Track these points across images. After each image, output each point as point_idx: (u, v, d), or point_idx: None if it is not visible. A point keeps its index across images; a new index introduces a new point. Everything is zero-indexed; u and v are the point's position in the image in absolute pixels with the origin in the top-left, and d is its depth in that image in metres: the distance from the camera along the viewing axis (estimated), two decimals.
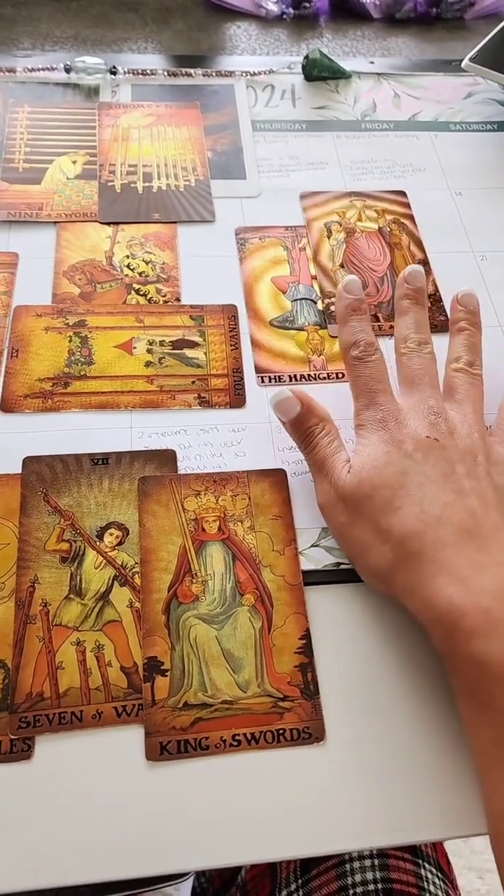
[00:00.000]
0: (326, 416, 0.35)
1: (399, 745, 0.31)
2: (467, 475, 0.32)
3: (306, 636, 0.33)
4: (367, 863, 0.43)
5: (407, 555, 0.30)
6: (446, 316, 0.44)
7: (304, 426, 0.35)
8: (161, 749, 0.30)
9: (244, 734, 0.31)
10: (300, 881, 0.45)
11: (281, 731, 0.31)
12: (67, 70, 0.56)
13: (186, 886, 0.59)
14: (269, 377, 0.41)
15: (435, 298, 0.46)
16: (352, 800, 0.30)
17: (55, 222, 0.48)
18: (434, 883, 0.44)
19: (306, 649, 0.33)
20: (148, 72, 0.58)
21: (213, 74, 0.58)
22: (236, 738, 0.31)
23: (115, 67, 0.57)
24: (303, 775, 0.30)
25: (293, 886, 0.45)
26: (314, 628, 0.33)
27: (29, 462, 0.37)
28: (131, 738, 0.30)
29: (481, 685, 0.27)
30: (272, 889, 0.48)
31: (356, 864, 0.43)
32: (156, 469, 0.37)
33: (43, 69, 0.56)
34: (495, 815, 0.27)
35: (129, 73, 0.57)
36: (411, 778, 0.30)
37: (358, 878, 0.43)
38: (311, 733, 0.31)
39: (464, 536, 0.30)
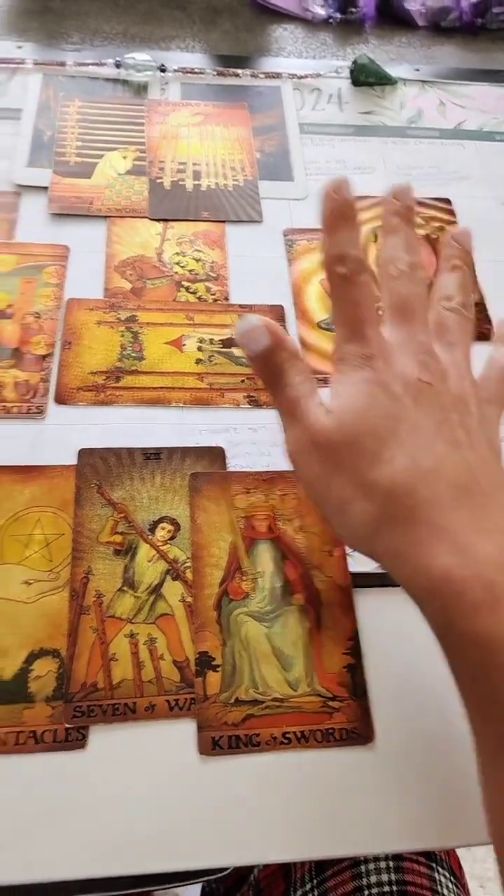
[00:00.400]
0: (298, 353, 0.30)
1: (446, 748, 0.31)
2: (461, 425, 0.28)
3: (354, 637, 0.33)
4: (382, 864, 0.43)
5: (396, 513, 0.26)
6: (491, 325, 0.45)
7: (273, 360, 0.29)
8: (213, 744, 0.30)
9: (294, 732, 0.31)
10: (315, 881, 0.46)
11: (330, 731, 0.31)
12: (117, 66, 0.57)
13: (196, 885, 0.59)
14: (319, 378, 0.42)
15: (480, 308, 0.46)
16: (399, 801, 0.30)
17: (105, 217, 0.48)
18: (447, 887, 0.44)
19: (355, 650, 0.33)
20: (196, 71, 0.58)
21: (261, 76, 0.58)
22: (286, 735, 0.31)
23: (164, 65, 0.57)
24: (350, 775, 0.30)
25: (308, 886, 0.46)
26: (362, 630, 0.34)
27: (83, 454, 0.37)
28: (183, 731, 0.31)
29: (486, 670, 0.24)
30: (286, 888, 0.48)
31: (371, 866, 0.43)
32: (206, 466, 0.38)
33: (93, 64, 0.57)
34: (498, 818, 0.25)
35: (177, 71, 0.58)
36: (458, 782, 0.30)
37: (373, 879, 0.43)
38: (359, 734, 0.31)
39: (462, 495, 0.26)
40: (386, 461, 0.26)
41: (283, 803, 0.30)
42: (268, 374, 0.30)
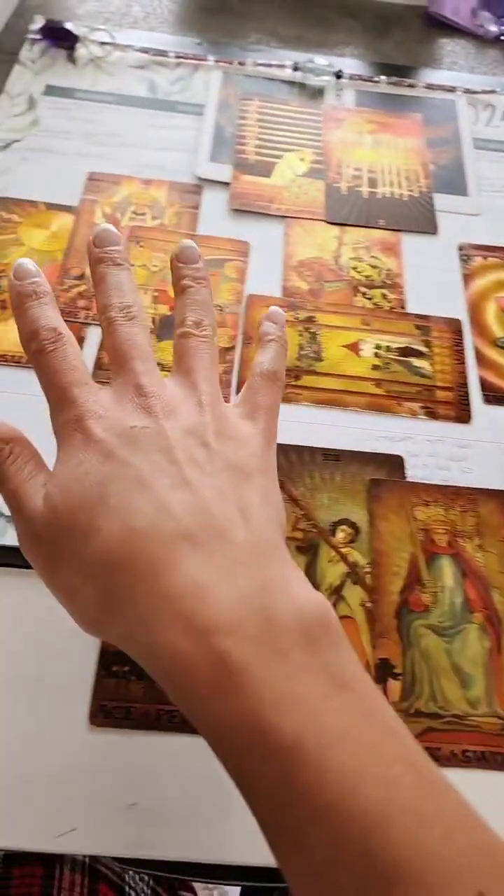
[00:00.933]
0: (14, 436, 0.27)
1: None
2: (189, 462, 0.25)
3: None
4: None
5: (118, 591, 0.22)
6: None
7: None
8: None
9: (475, 751, 0.31)
10: None
11: None
12: (295, 69, 0.57)
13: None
14: (497, 396, 0.41)
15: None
16: None
17: (284, 217, 0.49)
18: None
19: None
20: (372, 79, 0.58)
21: (436, 88, 0.58)
22: (466, 753, 0.31)
23: (340, 71, 0.58)
24: None
25: None
26: None
27: None
28: None
29: (231, 759, 0.21)
30: None
31: None
32: (385, 473, 0.38)
33: (272, 65, 0.58)
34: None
35: (353, 78, 0.58)
36: None
37: None
38: None
39: (183, 546, 0.22)
40: (98, 532, 0.23)
41: None
42: None
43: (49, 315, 0.27)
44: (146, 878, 0.42)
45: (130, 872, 0.41)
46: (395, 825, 0.18)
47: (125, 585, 0.22)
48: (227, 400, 0.37)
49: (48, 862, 0.37)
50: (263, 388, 0.29)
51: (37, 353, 0.26)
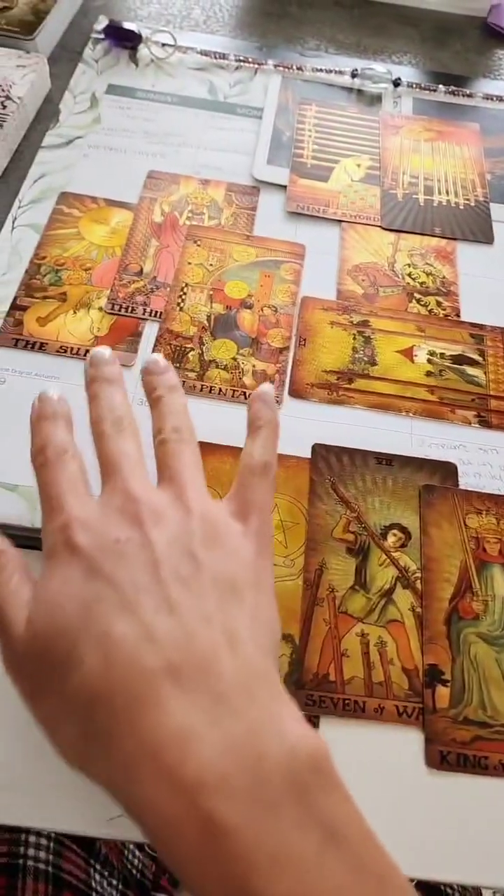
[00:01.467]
0: (2, 548, 0.26)
1: None
2: (175, 579, 0.24)
3: None
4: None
5: (95, 731, 0.21)
6: None
7: None
8: (441, 758, 0.30)
9: None
10: None
11: None
12: (354, 75, 0.58)
13: None
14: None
15: None
16: None
17: (340, 221, 0.49)
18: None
19: None
20: (430, 88, 0.58)
21: (494, 99, 0.58)
22: None
23: (399, 79, 0.58)
24: None
25: None
26: None
27: (318, 449, 0.38)
28: (411, 739, 0.31)
29: None
30: None
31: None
32: (438, 480, 0.37)
33: (330, 71, 0.58)
34: None
35: (411, 86, 0.58)
36: None
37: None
38: None
39: (165, 682, 0.21)
40: (79, 664, 0.22)
41: None
42: None
43: (60, 434, 0.28)
44: (114, 882, 0.42)
45: (97, 878, 0.40)
46: None
47: (104, 725, 0.21)
48: (278, 401, 0.37)
49: (11, 872, 0.36)
50: (254, 483, 0.28)
51: (40, 466, 0.27)
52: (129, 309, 0.42)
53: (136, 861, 0.46)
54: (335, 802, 0.21)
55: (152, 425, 0.30)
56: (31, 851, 0.38)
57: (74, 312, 0.42)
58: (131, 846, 0.45)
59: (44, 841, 0.38)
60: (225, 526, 0.26)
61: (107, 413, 0.29)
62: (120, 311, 0.42)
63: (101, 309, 0.42)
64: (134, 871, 0.45)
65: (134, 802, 0.21)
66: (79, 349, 0.40)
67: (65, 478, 0.26)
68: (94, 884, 0.40)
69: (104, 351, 0.31)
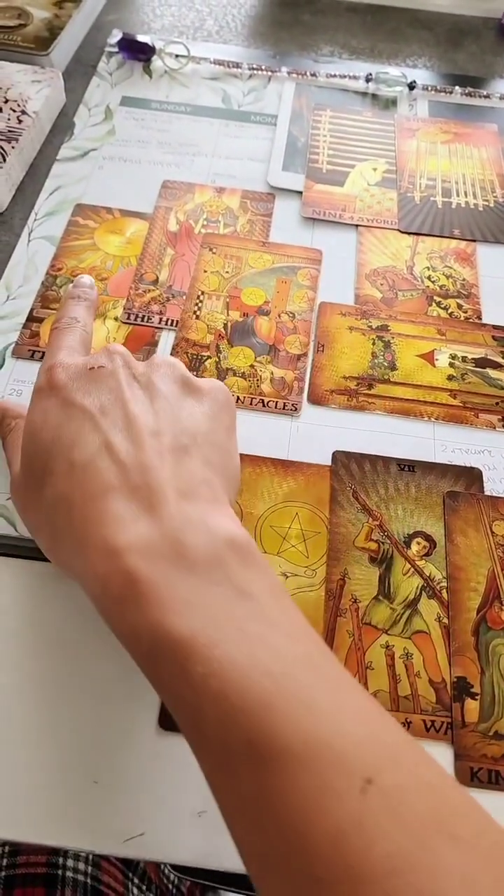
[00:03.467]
0: (18, 413, 0.33)
1: None
2: (136, 398, 0.28)
3: None
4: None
5: (59, 523, 0.25)
6: None
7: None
8: (472, 775, 0.29)
9: None
10: None
11: None
12: (368, 80, 0.57)
13: None
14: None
15: None
16: None
17: (357, 225, 0.48)
18: None
19: None
20: (446, 90, 0.58)
21: None
22: None
23: (414, 82, 0.57)
24: None
25: None
26: None
27: (338, 456, 0.37)
28: (439, 755, 0.30)
29: (143, 664, 0.22)
30: None
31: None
32: (462, 486, 0.36)
33: (344, 77, 0.57)
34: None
35: (426, 88, 0.58)
36: None
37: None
38: None
39: (117, 485, 0.25)
40: (48, 474, 0.26)
41: None
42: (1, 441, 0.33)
43: (79, 310, 0.34)
44: (150, 895, 0.42)
45: (135, 891, 0.40)
46: (279, 711, 0.19)
47: (66, 516, 0.25)
48: (297, 408, 0.37)
49: (50, 884, 0.37)
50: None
51: (53, 330, 0.33)
52: (145, 318, 0.42)
53: (172, 877, 0.46)
54: (251, 573, 0.23)
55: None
56: (70, 863, 0.38)
57: None
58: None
59: (83, 853, 0.38)
60: (187, 379, 0.30)
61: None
62: (136, 320, 0.42)
63: (116, 319, 0.42)
64: (170, 887, 0.45)
65: (80, 573, 0.24)
66: None
67: (66, 339, 0.31)
68: None
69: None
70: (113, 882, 0.40)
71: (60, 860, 0.39)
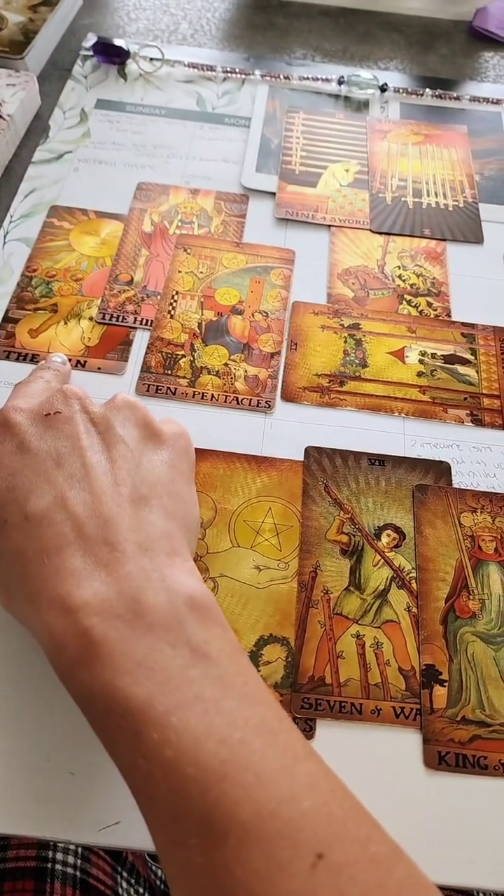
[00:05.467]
0: None
1: None
2: (93, 447, 0.27)
3: None
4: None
5: (13, 575, 0.25)
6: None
7: None
8: (440, 758, 0.30)
9: None
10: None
11: None
12: (340, 82, 0.58)
13: None
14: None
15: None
16: None
17: (329, 226, 0.49)
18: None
19: None
20: (417, 92, 0.59)
21: (482, 101, 0.58)
22: None
23: (385, 84, 0.58)
24: None
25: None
26: None
27: (311, 451, 0.38)
28: (409, 741, 0.30)
29: (95, 725, 0.22)
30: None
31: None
32: (431, 479, 0.37)
33: (317, 79, 0.58)
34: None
35: (398, 91, 0.59)
36: None
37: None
38: None
39: (72, 539, 0.24)
40: (2, 525, 0.26)
41: None
42: None
43: (47, 373, 0.34)
44: (140, 890, 0.42)
45: (124, 885, 0.41)
46: (232, 783, 0.19)
47: (20, 570, 0.24)
48: (271, 405, 0.37)
49: (39, 876, 0.37)
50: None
51: (18, 385, 0.33)
52: (120, 318, 0.43)
53: (160, 872, 0.46)
54: (209, 633, 0.23)
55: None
56: (59, 856, 0.39)
57: (65, 323, 0.42)
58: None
59: (72, 846, 0.39)
60: (147, 424, 0.30)
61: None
62: (111, 320, 0.42)
63: (91, 319, 0.42)
64: (158, 882, 0.45)
65: (36, 628, 0.24)
66: (70, 359, 0.40)
67: (27, 388, 0.32)
68: (120, 891, 0.40)
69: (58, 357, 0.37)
70: (102, 875, 0.40)
71: (50, 853, 0.39)
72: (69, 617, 0.22)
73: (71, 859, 0.39)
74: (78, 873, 0.38)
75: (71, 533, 0.24)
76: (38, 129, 0.53)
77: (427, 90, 0.59)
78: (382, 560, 0.35)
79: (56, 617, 0.23)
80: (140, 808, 0.21)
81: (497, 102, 0.58)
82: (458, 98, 0.59)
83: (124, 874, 0.42)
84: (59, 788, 0.28)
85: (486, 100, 0.59)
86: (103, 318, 0.42)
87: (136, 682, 0.21)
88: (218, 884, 0.18)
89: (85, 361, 0.40)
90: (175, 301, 0.44)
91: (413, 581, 0.34)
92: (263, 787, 0.19)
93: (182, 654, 0.22)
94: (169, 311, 0.43)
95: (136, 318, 0.43)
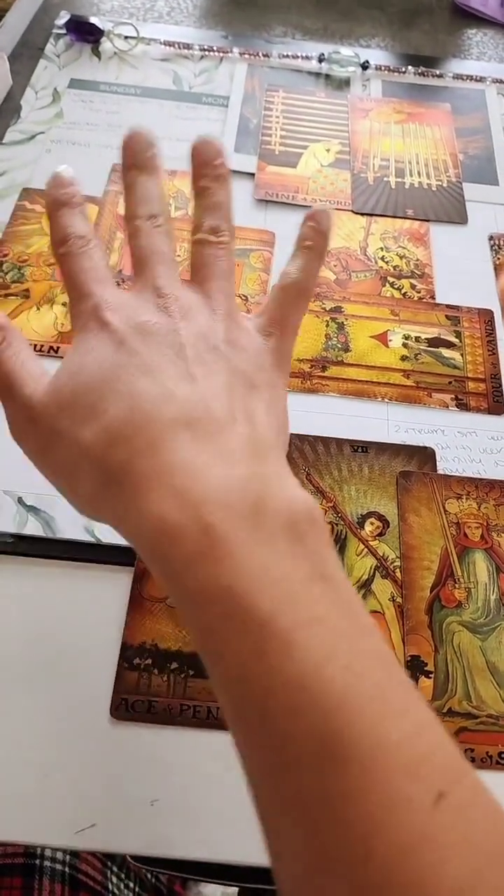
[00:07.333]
0: (6, 324, 0.26)
1: None
2: (196, 360, 0.24)
3: None
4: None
5: (114, 468, 0.22)
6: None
7: None
8: None
9: None
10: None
11: None
12: (321, 60, 0.57)
13: None
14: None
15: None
16: None
17: (310, 207, 0.47)
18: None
19: None
20: (399, 70, 0.57)
21: (465, 78, 0.57)
22: (503, 756, 0.29)
23: (367, 62, 0.57)
24: None
25: None
26: None
27: (292, 439, 0.37)
28: None
29: (204, 629, 0.20)
30: None
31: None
32: (416, 466, 0.36)
33: (297, 57, 0.57)
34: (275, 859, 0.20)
35: (379, 68, 0.57)
36: None
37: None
38: None
39: (183, 431, 0.22)
40: (100, 413, 0.23)
41: None
42: None
43: (79, 222, 0.27)
44: (131, 884, 0.42)
45: (114, 880, 0.40)
46: (357, 711, 0.18)
47: (124, 461, 0.22)
48: None
49: (28, 873, 0.36)
50: (286, 302, 0.28)
51: (63, 256, 0.27)
52: None
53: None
54: (328, 554, 0.21)
55: (193, 216, 0.29)
56: (47, 852, 0.38)
57: (38, 308, 0.40)
58: None
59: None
60: (248, 335, 0.27)
61: (142, 207, 0.28)
62: None
63: (64, 304, 0.41)
64: (149, 876, 0.45)
65: (139, 519, 0.21)
66: (42, 345, 0.39)
67: (89, 265, 0.26)
68: (110, 886, 0.39)
69: (144, 132, 0.29)
70: (91, 870, 0.39)
71: (38, 850, 0.38)
72: (188, 509, 0.21)
73: (60, 855, 0.39)
74: (67, 869, 0.38)
75: (185, 429, 0.22)
76: (9, 109, 0.52)
77: (409, 68, 0.57)
78: (366, 549, 0.34)
79: (172, 507, 0.21)
80: (241, 728, 0.20)
81: (480, 80, 0.57)
82: (441, 76, 0.57)
83: (114, 869, 0.41)
84: (34, 791, 0.27)
85: (470, 77, 0.57)
86: None
87: (261, 591, 0.20)
88: (335, 813, 0.17)
89: (58, 347, 0.39)
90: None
91: (397, 570, 0.33)
92: (388, 720, 0.18)
93: (303, 568, 0.20)
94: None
95: None
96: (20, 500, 0.34)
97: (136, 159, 0.29)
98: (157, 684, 0.30)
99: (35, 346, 0.39)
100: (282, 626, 0.19)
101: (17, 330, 0.27)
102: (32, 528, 0.33)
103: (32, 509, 0.33)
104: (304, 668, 0.19)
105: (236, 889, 0.42)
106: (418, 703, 0.20)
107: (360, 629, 0.20)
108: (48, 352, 0.39)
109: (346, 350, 0.41)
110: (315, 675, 0.19)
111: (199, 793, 0.28)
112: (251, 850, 0.27)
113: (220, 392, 0.24)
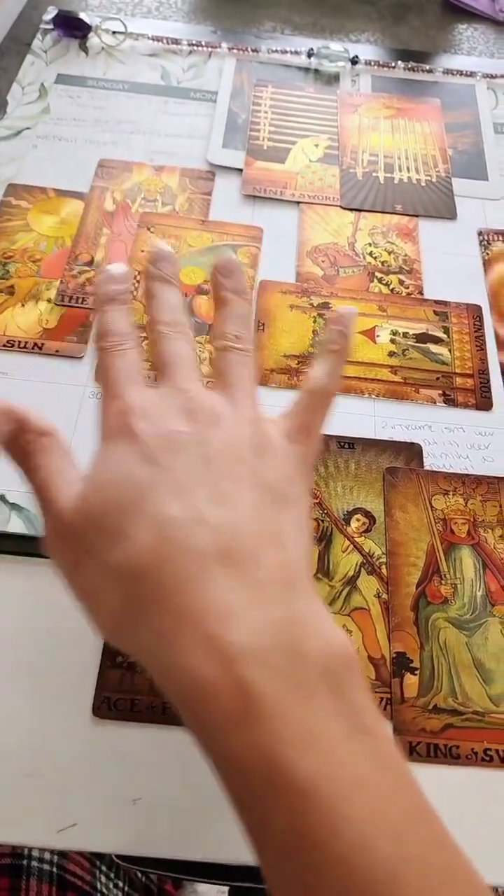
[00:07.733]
0: (50, 429, 0.26)
1: None
2: (225, 475, 0.24)
3: None
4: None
5: (142, 600, 0.21)
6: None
7: (18, 444, 0.25)
8: (411, 749, 0.29)
9: (497, 750, 0.29)
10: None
11: None
12: (310, 55, 0.56)
13: None
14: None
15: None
16: None
17: (298, 202, 0.47)
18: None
19: None
20: (389, 65, 0.57)
21: (455, 73, 0.57)
22: (488, 752, 0.29)
23: (356, 57, 0.56)
24: None
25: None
26: None
27: None
28: None
29: (243, 796, 0.19)
30: None
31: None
32: (402, 462, 0.36)
33: (286, 52, 0.56)
34: None
35: (369, 63, 0.57)
36: None
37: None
38: None
39: (213, 564, 0.21)
40: (129, 538, 0.22)
41: (481, 822, 0.28)
42: (16, 459, 0.25)
43: (121, 320, 0.28)
44: (120, 884, 0.41)
45: (103, 879, 0.40)
46: (405, 883, 0.18)
47: (151, 596, 0.21)
48: None
49: (15, 873, 0.36)
50: (312, 407, 0.28)
51: (102, 350, 0.27)
52: (80, 300, 0.41)
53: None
54: (365, 701, 0.21)
55: (214, 325, 0.30)
56: (35, 852, 0.38)
57: (23, 305, 0.40)
58: None
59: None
60: (274, 441, 0.26)
61: (165, 315, 0.29)
62: (70, 302, 0.41)
63: (49, 300, 0.41)
64: (139, 875, 0.45)
65: (170, 669, 0.20)
66: (27, 343, 0.39)
67: (123, 367, 0.27)
68: (99, 885, 0.39)
69: (166, 248, 0.31)
70: (79, 870, 0.39)
71: (26, 850, 0.38)
72: (222, 663, 0.19)
73: (47, 856, 0.38)
74: (55, 869, 0.38)
75: (217, 562, 0.21)
76: None
77: (399, 63, 0.57)
78: (352, 545, 0.34)
79: (204, 660, 0.20)
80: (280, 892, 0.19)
81: (470, 75, 0.57)
82: (430, 71, 0.57)
83: (103, 868, 0.41)
84: (14, 790, 0.27)
85: (460, 72, 0.57)
86: (62, 300, 0.41)
87: (302, 757, 0.18)
88: None
89: (42, 344, 0.39)
90: (137, 282, 0.42)
91: (383, 566, 0.33)
92: (433, 889, 0.18)
93: (343, 725, 0.20)
94: (131, 293, 0.41)
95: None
96: (3, 498, 0.33)
97: (160, 272, 0.30)
98: (139, 682, 0.29)
99: (19, 342, 0.39)
100: (325, 795, 0.18)
101: (58, 434, 0.26)
102: (15, 525, 0.33)
103: (15, 507, 0.33)
104: (352, 843, 0.18)
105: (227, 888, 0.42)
106: (455, 852, 0.19)
107: (398, 784, 0.20)
108: (32, 349, 0.38)
109: None
110: (362, 849, 0.18)
111: (182, 791, 0.28)
112: (235, 848, 0.27)
113: (249, 513, 0.23)
